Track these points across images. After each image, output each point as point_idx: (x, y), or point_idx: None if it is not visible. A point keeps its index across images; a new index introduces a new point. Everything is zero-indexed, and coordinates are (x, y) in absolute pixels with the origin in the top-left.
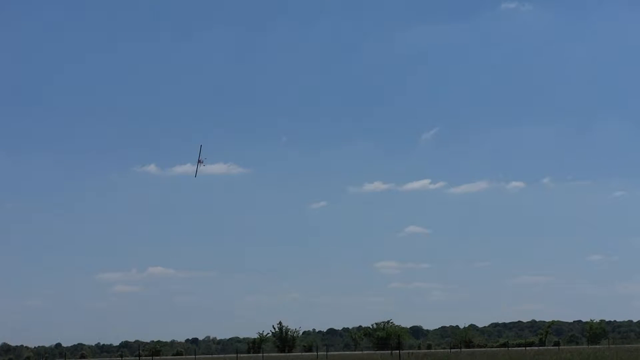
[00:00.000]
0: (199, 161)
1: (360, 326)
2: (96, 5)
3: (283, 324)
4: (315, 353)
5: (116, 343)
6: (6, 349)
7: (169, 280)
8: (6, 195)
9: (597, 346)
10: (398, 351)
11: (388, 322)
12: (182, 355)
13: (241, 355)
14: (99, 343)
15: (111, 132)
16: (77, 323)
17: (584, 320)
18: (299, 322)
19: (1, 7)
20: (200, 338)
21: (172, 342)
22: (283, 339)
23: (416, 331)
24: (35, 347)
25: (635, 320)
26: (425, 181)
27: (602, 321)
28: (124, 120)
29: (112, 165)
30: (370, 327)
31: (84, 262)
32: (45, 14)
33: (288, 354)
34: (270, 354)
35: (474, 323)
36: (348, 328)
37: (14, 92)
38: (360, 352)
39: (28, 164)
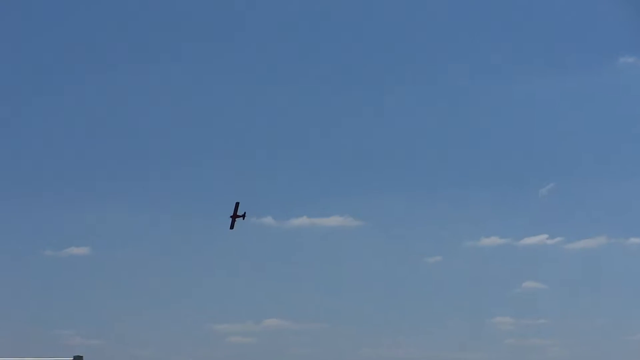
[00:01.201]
0: (239, 216)
1: None
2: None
3: None
4: None
5: None
6: None
7: (285, 332)
8: (123, 246)
9: None
10: None
11: None
12: None
13: None
14: None
15: (228, 183)
16: None
17: None
18: None
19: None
20: None
21: None
22: None
23: None
24: None
25: None
26: (543, 236)
27: None
28: (240, 172)
29: (228, 217)
30: None
31: (200, 313)
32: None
33: None
34: None
35: None
36: None
37: (126, 153)
38: None
39: (145, 216)
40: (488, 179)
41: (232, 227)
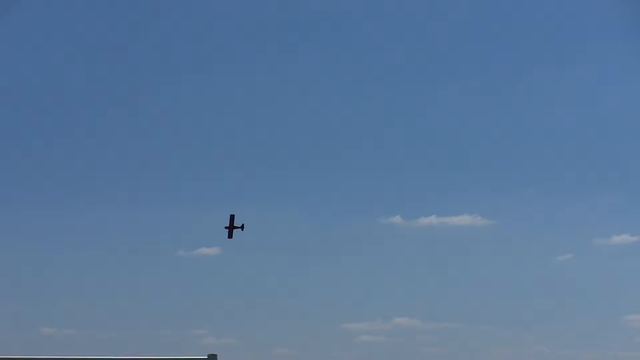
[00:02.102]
0: (236, 227)
1: None
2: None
3: None
4: None
5: None
6: None
7: (415, 331)
8: (253, 245)
9: None
10: None
11: None
12: None
13: None
14: None
15: (357, 182)
16: None
17: None
18: None
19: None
20: None
21: None
22: None
23: None
24: None
25: None
26: None
27: None
28: (369, 172)
29: (358, 217)
30: None
31: (331, 312)
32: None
33: None
34: None
35: None
36: None
37: (261, 151)
38: None
39: (274, 215)
40: (619, 176)
41: (230, 236)
